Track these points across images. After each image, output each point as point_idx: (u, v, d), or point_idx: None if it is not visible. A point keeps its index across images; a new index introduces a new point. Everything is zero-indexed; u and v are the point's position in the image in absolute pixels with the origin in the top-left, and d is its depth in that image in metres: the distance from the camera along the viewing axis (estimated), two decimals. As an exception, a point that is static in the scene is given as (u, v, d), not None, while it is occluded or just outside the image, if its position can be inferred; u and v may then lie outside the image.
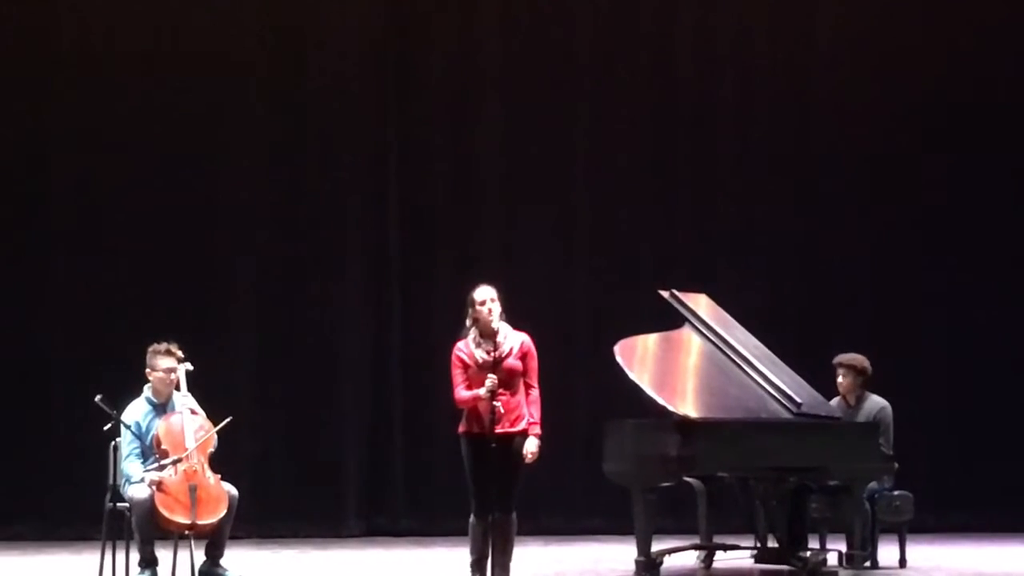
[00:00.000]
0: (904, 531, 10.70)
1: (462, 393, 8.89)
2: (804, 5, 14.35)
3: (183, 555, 9.03)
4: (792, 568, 9.92)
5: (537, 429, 8.89)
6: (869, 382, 10.71)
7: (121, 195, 13.19)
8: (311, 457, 13.23)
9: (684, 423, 9.40)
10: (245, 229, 13.38)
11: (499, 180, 13.79)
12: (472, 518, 8.90)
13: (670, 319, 10.24)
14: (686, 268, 13.29)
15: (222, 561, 9.33)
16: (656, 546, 9.78)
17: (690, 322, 10.16)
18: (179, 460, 9.04)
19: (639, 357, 9.77)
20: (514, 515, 8.90)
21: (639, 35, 14.07)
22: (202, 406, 9.40)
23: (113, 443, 9.18)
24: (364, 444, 13.37)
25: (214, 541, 9.26)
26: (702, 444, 9.45)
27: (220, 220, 13.38)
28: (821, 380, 10.49)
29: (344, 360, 13.40)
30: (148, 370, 9.37)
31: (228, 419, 9.20)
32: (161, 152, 13.24)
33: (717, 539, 10.41)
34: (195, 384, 9.44)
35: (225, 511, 9.10)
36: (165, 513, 8.93)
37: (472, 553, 8.95)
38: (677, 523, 11.30)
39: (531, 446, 8.85)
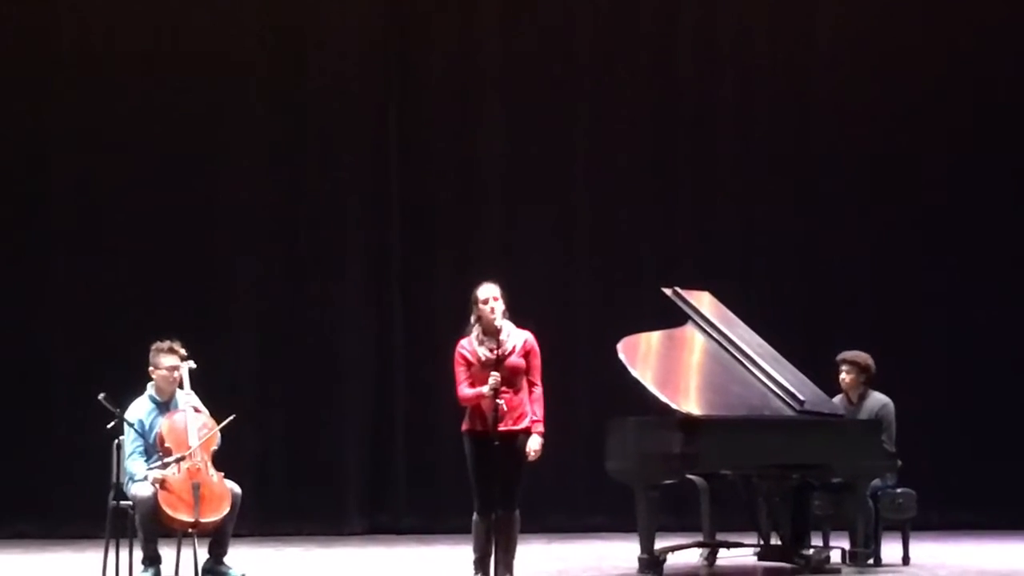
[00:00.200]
0: (907, 529, 10.65)
1: (465, 391, 8.87)
2: (804, 5, 14.36)
3: (186, 553, 9.00)
4: (795, 566, 9.92)
5: (540, 427, 8.88)
6: (872, 379, 10.68)
7: (121, 195, 13.18)
8: (313, 456, 13.23)
9: (687, 420, 9.40)
10: (245, 229, 13.37)
11: (499, 180, 13.79)
12: (475, 516, 8.88)
13: (672, 317, 10.25)
14: (686, 268, 13.27)
15: (225, 559, 9.31)
16: (659, 544, 9.78)
17: (693, 320, 10.17)
18: (182, 458, 9.02)
19: (642, 354, 9.77)
20: (517, 513, 8.89)
21: (639, 35, 14.07)
22: (204, 406, 9.40)
23: (116, 441, 9.20)
24: (366, 443, 13.37)
25: (217, 539, 9.24)
26: (705, 441, 9.46)
27: (220, 220, 13.37)
28: (821, 380, 10.46)
29: (345, 360, 13.39)
30: (151, 368, 9.34)
31: (231, 417, 9.17)
32: (161, 152, 13.23)
33: (720, 537, 10.41)
34: (196, 384, 9.41)
35: (228, 509, 9.07)
36: (168, 511, 8.91)
37: (475, 551, 8.93)
38: (680, 521, 11.34)
39: (534, 444, 8.84)
